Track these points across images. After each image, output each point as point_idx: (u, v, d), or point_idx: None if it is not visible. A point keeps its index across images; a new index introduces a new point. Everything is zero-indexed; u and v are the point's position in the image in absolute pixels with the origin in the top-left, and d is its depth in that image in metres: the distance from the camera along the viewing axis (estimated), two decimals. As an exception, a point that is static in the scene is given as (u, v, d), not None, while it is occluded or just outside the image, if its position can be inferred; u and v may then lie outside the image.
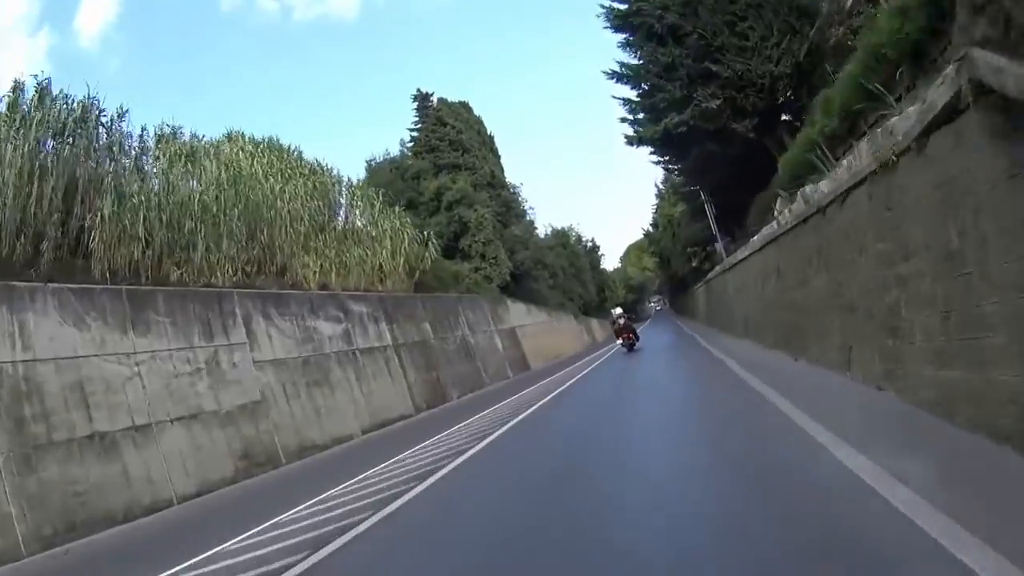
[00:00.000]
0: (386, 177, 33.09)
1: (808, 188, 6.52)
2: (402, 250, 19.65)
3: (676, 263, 38.40)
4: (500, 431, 9.37)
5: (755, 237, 10.03)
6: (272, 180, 18.31)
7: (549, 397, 13.06)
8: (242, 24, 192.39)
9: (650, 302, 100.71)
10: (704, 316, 30.73)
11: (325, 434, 14.13)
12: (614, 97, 25.23)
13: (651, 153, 28.00)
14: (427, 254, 20.72)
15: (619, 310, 23.32)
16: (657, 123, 21.80)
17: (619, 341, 21.82)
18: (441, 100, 41.39)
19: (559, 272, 44.40)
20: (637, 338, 21.99)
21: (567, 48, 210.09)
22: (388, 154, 37.36)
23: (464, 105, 44.73)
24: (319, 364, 14.88)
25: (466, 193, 29.78)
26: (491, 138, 45.89)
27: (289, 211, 17.68)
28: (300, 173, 19.80)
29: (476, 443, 8.71)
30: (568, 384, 15.22)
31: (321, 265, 17.41)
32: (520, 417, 10.67)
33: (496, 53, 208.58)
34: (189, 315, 13.02)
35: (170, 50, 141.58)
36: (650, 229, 57.33)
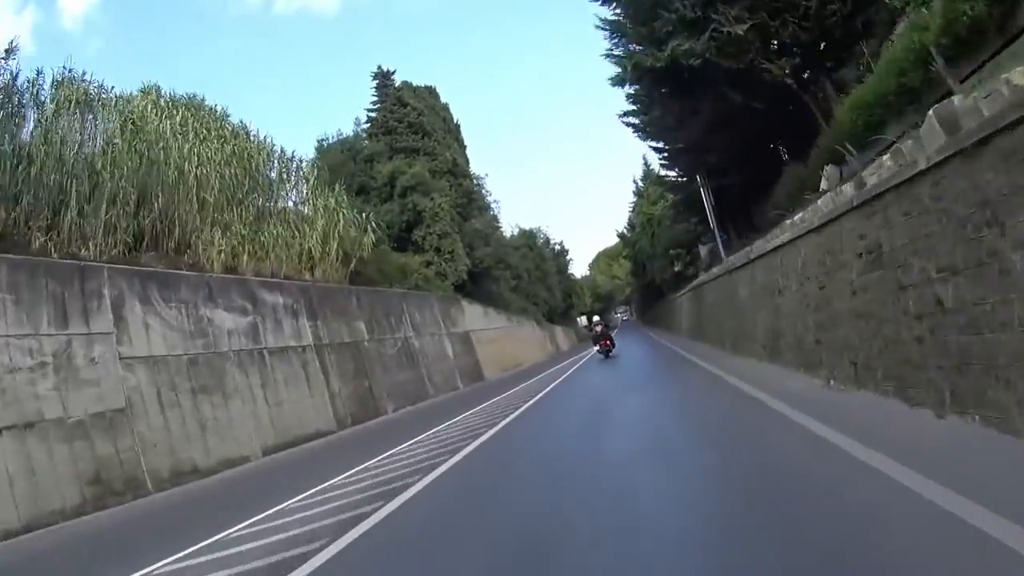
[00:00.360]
0: (337, 158, 30.33)
1: (957, 100, 4.04)
2: (335, 234, 16.87)
3: (654, 268, 35.36)
4: (433, 475, 6.76)
5: (804, 213, 7.13)
6: (181, 139, 15.49)
7: (503, 424, 10.41)
8: (224, 13, 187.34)
9: (616, 312, 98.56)
10: (689, 328, 26.07)
11: (211, 455, 11.37)
12: (599, 27, 20.12)
13: (639, 128, 24.11)
14: (366, 240, 17.95)
15: (596, 317, 26.47)
16: (660, 49, 16.13)
17: (596, 348, 23.20)
18: (405, 83, 38.58)
19: (523, 274, 42.00)
20: (613, 345, 22.92)
21: (549, 56, 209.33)
22: (341, 134, 34.54)
23: (430, 90, 42.08)
24: (211, 365, 12.08)
25: (422, 179, 27.15)
26: (457, 126, 43.33)
27: (197, 176, 14.87)
28: (219, 135, 16.95)
29: (397, 491, 6.18)
30: (529, 404, 12.42)
31: (233, 244, 14.61)
32: (464, 452, 8.10)
33: (475, 57, 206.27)
34: (39, 293, 10.32)
35: (151, 35, 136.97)
36: (625, 232, 53.92)
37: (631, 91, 20.98)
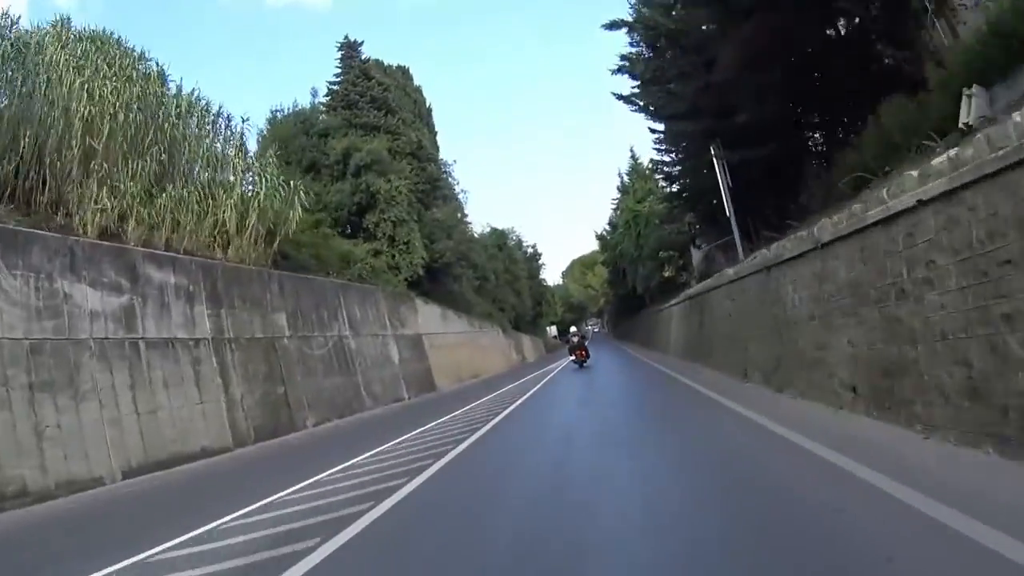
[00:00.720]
0: (289, 131, 27.79)
1: None
2: (256, 204, 14.38)
3: (637, 274, 31.99)
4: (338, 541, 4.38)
5: (955, 152, 4.30)
6: (75, 74, 12.96)
7: (451, 456, 8.10)
8: (214, 2, 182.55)
9: (588, 324, 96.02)
10: (683, 347, 21.24)
11: (49, 474, 8.90)
12: None
13: (633, 99, 20.42)
14: (292, 215, 15.44)
15: (573, 328, 28.84)
16: None
17: (571, 357, 24.45)
18: (375, 60, 36.06)
19: (491, 276, 39.75)
20: (588, 356, 23.99)
21: (535, 61, 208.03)
22: (297, 105, 31.88)
23: (403, 70, 39.86)
24: (61, 355, 9.56)
25: (379, 158, 24.76)
26: (428, 110, 41.11)
27: (86, 118, 12.38)
28: (124, 75, 14.37)
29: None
30: (475, 438, 9.72)
31: (123, 207, 12.10)
32: (399, 495, 5.84)
33: (461, 58, 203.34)
34: None
35: (140, 20, 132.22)
36: (605, 233, 49.72)
37: (631, 50, 17.96)
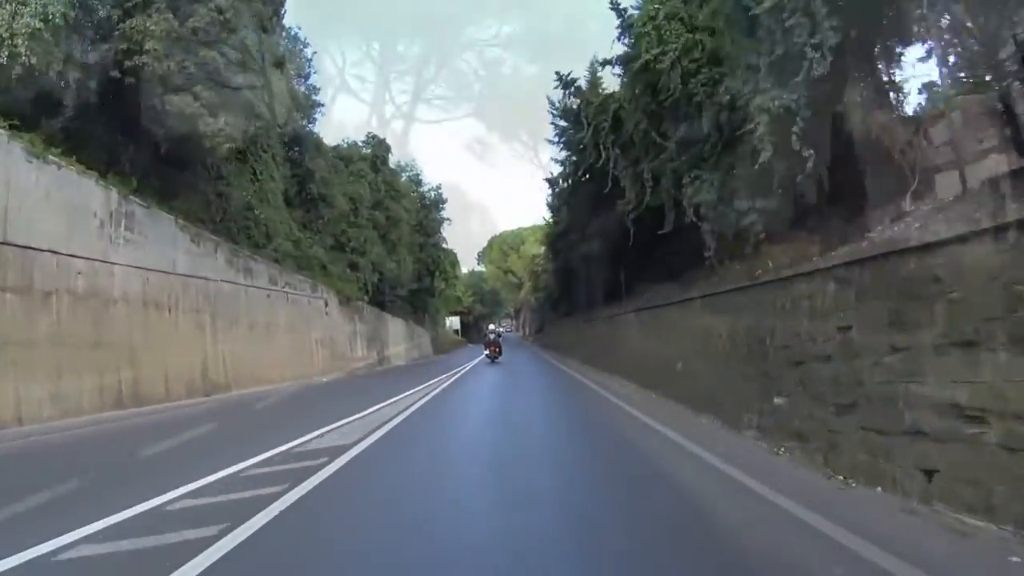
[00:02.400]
0: None
1: None
2: None
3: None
4: None
5: None
6: None
7: None
8: None
9: (500, 325, 75.94)
10: None
11: None
12: None
13: None
14: None
15: (492, 326, 40.80)
16: None
17: (486, 352, 31.26)
18: None
19: (340, 198, 24.96)
20: (501, 352, 30.83)
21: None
22: None
23: None
24: None
25: None
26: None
27: None
28: None
29: None
30: None
31: None
32: None
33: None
34: None
35: None
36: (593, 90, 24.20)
37: None
